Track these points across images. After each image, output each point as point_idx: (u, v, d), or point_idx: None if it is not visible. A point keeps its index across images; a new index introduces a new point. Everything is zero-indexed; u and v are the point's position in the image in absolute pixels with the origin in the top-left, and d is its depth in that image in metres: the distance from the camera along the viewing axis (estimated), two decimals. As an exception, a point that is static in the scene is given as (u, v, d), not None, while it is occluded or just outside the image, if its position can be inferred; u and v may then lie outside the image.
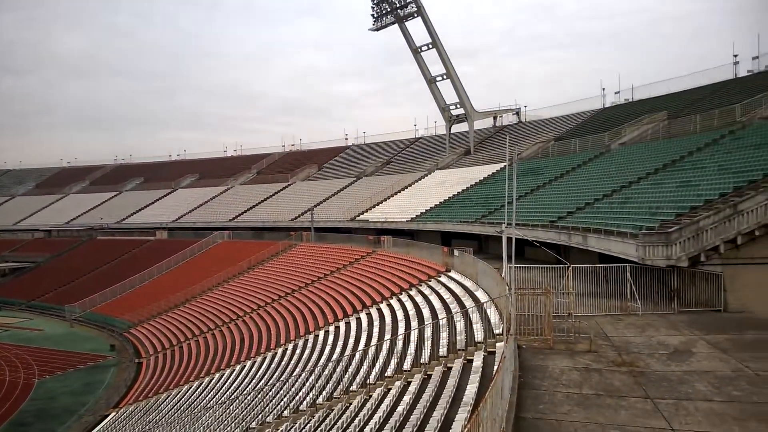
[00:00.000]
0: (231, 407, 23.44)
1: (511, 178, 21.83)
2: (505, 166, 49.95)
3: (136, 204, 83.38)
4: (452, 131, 65.71)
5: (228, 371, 30.20)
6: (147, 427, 24.89)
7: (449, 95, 62.47)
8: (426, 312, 24.56)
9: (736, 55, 45.88)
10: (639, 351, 15.07)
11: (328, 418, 16.98)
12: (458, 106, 62.59)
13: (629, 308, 19.47)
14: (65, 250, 72.72)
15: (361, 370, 20.48)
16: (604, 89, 66.60)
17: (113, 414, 28.88)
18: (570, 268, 18.70)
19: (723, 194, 22.84)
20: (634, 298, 19.53)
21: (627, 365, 13.91)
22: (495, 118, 67.75)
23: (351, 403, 17.45)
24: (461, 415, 12.33)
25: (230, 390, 26.77)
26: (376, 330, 26.27)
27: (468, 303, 21.99)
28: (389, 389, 17.08)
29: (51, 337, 46.31)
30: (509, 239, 18.20)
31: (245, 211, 69.50)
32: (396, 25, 61.58)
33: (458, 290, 25.10)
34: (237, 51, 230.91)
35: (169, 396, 29.02)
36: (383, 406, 15.49)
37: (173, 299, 48.34)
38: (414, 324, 23.77)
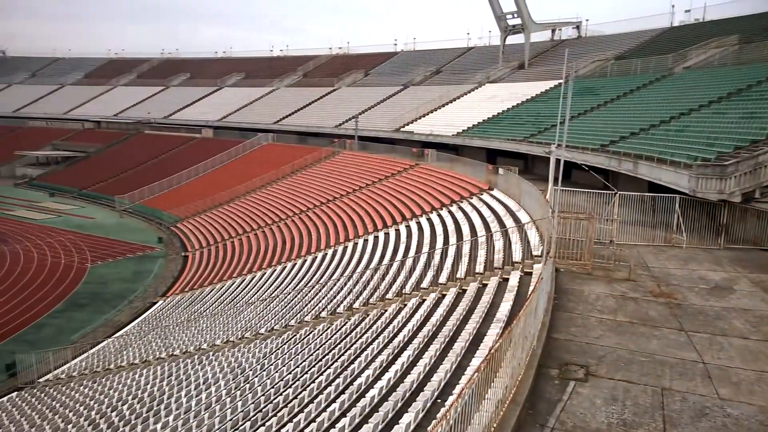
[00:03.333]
0: (271, 305, 24.54)
1: (565, 97, 20.90)
2: (559, 83, 47.92)
3: (182, 100, 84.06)
4: (507, 43, 62.77)
5: (269, 271, 31.37)
6: (192, 316, 26.40)
7: (507, 3, 59.18)
8: (465, 229, 24.64)
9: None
10: (678, 284, 14.93)
11: (364, 322, 17.61)
12: (515, 15, 59.35)
13: (674, 240, 19.08)
14: (114, 143, 74.73)
15: (398, 279, 20.98)
16: (673, 6, 61.92)
17: (161, 302, 30.68)
18: (617, 194, 18.27)
19: (790, 129, 21.55)
20: (680, 230, 19.07)
21: (665, 296, 13.84)
22: (553, 31, 64.29)
23: (386, 310, 18.01)
24: (493, 331, 12.59)
25: (270, 289, 27.92)
26: (414, 242, 26.63)
27: (509, 223, 21.92)
28: (424, 300, 17.50)
29: (102, 225, 48.66)
30: (557, 161, 17.72)
31: (290, 115, 69.37)
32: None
33: (500, 209, 24.96)
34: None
35: (213, 289, 30.52)
36: (417, 316, 15.93)
37: (218, 198, 49.70)
38: (452, 240, 23.95)
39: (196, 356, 19.85)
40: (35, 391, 21.01)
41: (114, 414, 15.62)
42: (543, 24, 61.73)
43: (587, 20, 63.99)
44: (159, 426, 13.59)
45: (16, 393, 21.18)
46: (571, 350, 10.75)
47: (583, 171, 23.20)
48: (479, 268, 18.29)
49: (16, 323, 27.57)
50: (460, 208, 28.33)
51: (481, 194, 29.12)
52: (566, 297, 13.77)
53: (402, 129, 54.52)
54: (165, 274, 35.93)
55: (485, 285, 16.55)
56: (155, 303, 30.61)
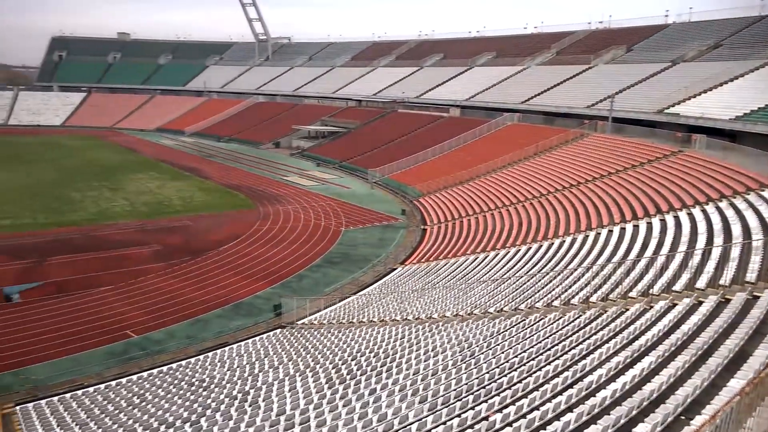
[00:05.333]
0: (502, 286, 24.42)
1: None
2: None
3: (434, 80, 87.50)
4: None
5: (503, 252, 31.20)
6: (426, 286, 27.65)
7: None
8: (736, 229, 21.27)
9: None
10: None
11: (600, 318, 16.45)
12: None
13: None
14: (371, 120, 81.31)
15: (645, 278, 19.07)
16: None
17: (399, 269, 32.76)
18: None
19: None
20: None
21: None
22: None
23: (628, 309, 16.55)
24: (762, 351, 10.72)
25: (502, 270, 27.76)
26: (668, 239, 23.89)
27: (795, 226, 18.30)
28: (675, 304, 15.63)
29: (356, 195, 53.64)
30: None
31: (538, 94, 67.42)
32: None
33: (784, 209, 20.98)
34: None
35: (446, 263, 31.51)
36: (665, 320, 14.31)
37: (459, 176, 50.91)
38: (718, 240, 20.89)
39: (426, 324, 20.76)
40: (294, 331, 24.23)
41: (353, 363, 17.19)
42: None
43: None
44: (390, 381, 14.55)
45: (279, 330, 24.70)
46: None
47: None
48: (751, 276, 15.64)
49: (285, 271, 32.09)
50: (732, 205, 24.51)
51: (762, 190, 24.78)
52: None
53: (665, 111, 48.93)
54: (405, 243, 38.21)
55: (756, 297, 14.11)
56: (394, 269, 32.79)
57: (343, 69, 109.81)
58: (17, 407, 17.72)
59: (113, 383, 19.46)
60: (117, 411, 16.34)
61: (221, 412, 14.57)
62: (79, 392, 18.75)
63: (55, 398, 18.27)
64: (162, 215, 43.73)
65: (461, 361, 15.37)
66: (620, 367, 12.06)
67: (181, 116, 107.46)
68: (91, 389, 18.97)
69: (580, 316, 17.27)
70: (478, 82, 79.71)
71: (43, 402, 18.00)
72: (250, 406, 14.83)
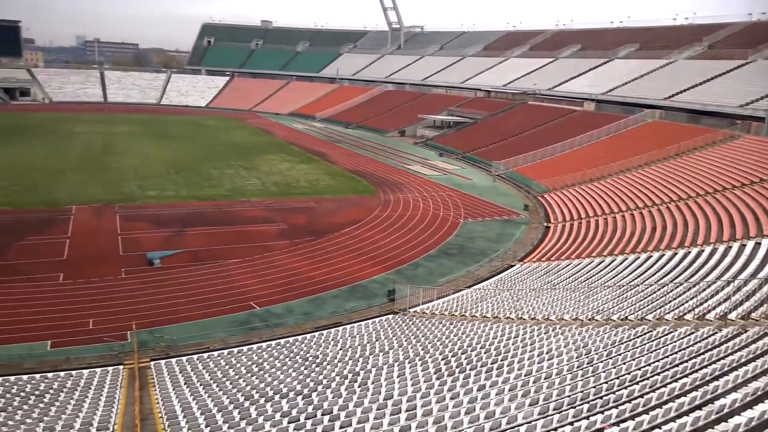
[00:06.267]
0: (628, 293, 22.95)
1: None
2: None
3: (569, 72, 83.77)
4: None
5: (632, 257, 29.28)
6: (544, 286, 26.68)
7: None
8: None
9: None
10: None
11: (739, 338, 14.91)
12: None
13: None
14: (499, 111, 79.60)
15: (797, 298, 17.03)
16: None
17: (517, 266, 31.88)
18: None
19: None
20: None
21: None
22: None
23: (773, 331, 14.86)
24: None
25: (629, 276, 26.07)
26: (829, 256, 21.14)
27: None
28: (833, 331, 13.79)
29: (477, 187, 52.88)
30: None
31: (684, 90, 62.23)
32: None
33: None
34: None
35: (568, 264, 30.16)
36: (819, 348, 12.68)
37: (589, 173, 48.43)
38: None
39: (542, 325, 20.05)
40: (406, 317, 24.50)
41: (463, 356, 17.05)
42: None
43: None
44: (500, 379, 14.25)
45: (391, 315, 25.11)
46: None
47: None
48: None
49: (401, 258, 32.48)
50: None
51: None
52: None
53: (837, 114, 43.22)
54: (525, 240, 37.11)
55: None
56: (512, 266, 31.97)
57: (474, 59, 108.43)
58: (151, 362, 19.58)
59: (235, 350, 20.87)
60: (237, 376, 17.50)
61: (332, 389, 15.11)
62: (205, 355, 20.32)
63: (184, 358, 19.93)
64: (289, 196, 46.01)
65: (578, 367, 14.67)
66: (759, 393, 10.88)
67: (313, 102, 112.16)
68: (215, 353, 20.49)
69: (716, 333, 15.79)
70: (617, 75, 75.21)
71: (173, 360, 19.73)
72: (359, 386, 15.22)
